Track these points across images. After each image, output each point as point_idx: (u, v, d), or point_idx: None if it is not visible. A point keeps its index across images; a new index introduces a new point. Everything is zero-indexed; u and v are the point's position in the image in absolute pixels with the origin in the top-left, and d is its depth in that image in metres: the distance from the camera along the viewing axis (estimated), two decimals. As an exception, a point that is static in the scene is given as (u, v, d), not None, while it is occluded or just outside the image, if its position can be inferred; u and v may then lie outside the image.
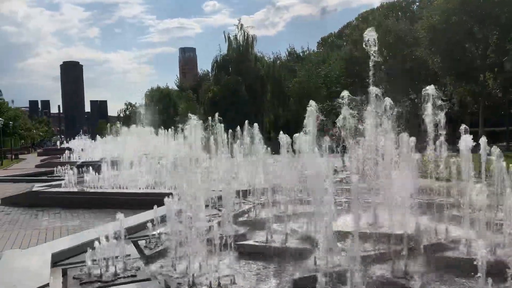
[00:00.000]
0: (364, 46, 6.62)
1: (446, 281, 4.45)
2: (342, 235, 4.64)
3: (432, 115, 6.19)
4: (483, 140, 5.98)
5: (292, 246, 5.38)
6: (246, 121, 12.05)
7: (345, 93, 6.38)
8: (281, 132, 6.93)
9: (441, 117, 6.13)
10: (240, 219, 6.96)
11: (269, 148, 8.89)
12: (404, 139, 6.15)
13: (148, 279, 4.24)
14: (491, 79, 28.24)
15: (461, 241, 5.08)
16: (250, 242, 5.73)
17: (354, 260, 3.90)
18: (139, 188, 11.37)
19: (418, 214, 5.62)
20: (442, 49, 27.36)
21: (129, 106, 71.69)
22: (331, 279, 4.00)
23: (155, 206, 5.89)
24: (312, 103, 7.25)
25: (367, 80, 7.07)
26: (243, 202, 8.10)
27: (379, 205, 6.07)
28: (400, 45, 32.72)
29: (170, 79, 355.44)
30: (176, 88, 63.65)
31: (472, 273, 3.76)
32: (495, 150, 5.50)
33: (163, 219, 5.55)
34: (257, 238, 5.82)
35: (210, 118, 13.25)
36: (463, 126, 5.72)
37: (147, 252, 5.28)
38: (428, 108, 6.22)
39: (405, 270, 4.47)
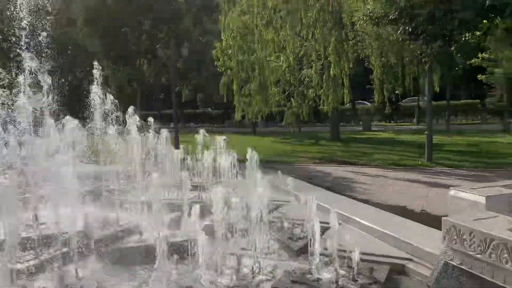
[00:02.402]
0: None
1: (122, 273, 4.15)
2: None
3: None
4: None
5: None
6: None
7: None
8: None
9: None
10: None
11: None
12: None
13: None
14: (145, 64, 30.57)
15: (132, 228, 4.92)
16: None
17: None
18: None
19: (88, 204, 5.10)
20: (99, 32, 27.39)
21: None
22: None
23: None
24: None
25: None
26: None
27: (41, 200, 5.15)
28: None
29: None
30: None
31: (148, 258, 3.63)
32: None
33: None
34: None
35: None
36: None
37: None
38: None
39: (77, 274, 3.88)
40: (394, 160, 11.47)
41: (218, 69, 22.11)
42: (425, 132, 11.00)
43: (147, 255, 3.98)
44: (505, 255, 2.25)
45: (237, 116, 18.73)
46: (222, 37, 17.43)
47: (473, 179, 8.62)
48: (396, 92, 21.03)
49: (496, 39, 11.46)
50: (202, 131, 7.61)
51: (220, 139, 6.75)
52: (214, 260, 3.88)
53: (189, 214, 4.32)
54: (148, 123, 6.02)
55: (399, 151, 13.51)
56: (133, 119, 5.57)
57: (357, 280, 3.39)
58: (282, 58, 15.98)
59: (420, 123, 27.14)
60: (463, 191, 3.45)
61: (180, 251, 4.02)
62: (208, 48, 29.24)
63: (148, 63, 30.68)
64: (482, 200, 3.23)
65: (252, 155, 5.12)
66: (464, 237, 2.51)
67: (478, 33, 10.89)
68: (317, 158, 12.46)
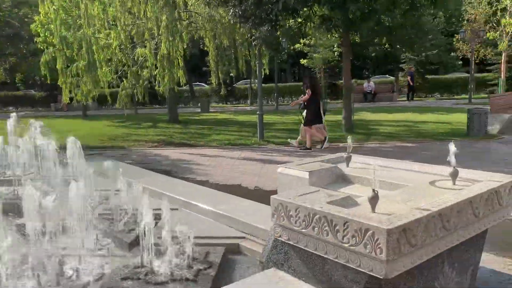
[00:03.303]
0: None
1: None
2: None
3: None
4: None
5: None
6: None
7: None
8: None
9: None
10: None
11: None
12: None
13: None
14: None
15: None
16: None
17: None
18: None
19: None
20: None
21: None
22: None
23: None
24: None
25: None
26: None
27: None
28: None
29: None
30: None
31: None
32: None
33: None
34: None
35: None
36: None
37: None
38: None
39: None
40: (230, 140, 11.82)
41: (39, 46, 19.57)
42: (257, 113, 11.59)
43: None
44: (326, 227, 2.36)
45: (64, 98, 16.87)
46: (40, 10, 15.31)
47: (299, 154, 9.41)
48: (231, 74, 21.75)
49: (314, 26, 12.62)
50: (13, 115, 6.54)
51: (37, 125, 5.87)
52: (32, 265, 3.33)
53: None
54: None
55: (235, 131, 14.00)
56: None
57: (192, 267, 3.27)
58: (112, 36, 14.85)
59: (253, 104, 28.77)
60: (289, 168, 3.60)
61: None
62: (26, 21, 25.67)
63: None
64: (306, 175, 3.41)
65: (72, 141, 4.52)
66: (290, 213, 2.57)
67: (299, 19, 11.82)
68: (155, 142, 12.05)
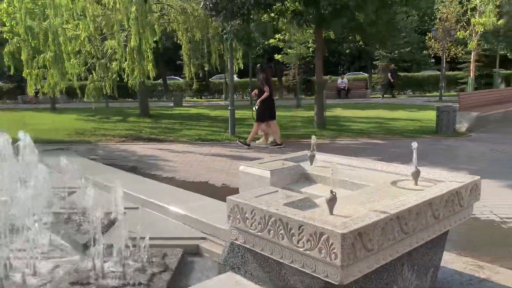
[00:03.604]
0: None
1: None
2: None
3: None
4: None
5: None
6: None
7: None
8: None
9: None
10: None
11: None
12: None
13: None
14: None
15: None
16: None
17: None
18: None
19: None
20: None
21: None
22: None
23: None
24: None
25: None
26: None
27: None
28: None
29: None
30: None
31: None
32: None
33: None
34: None
35: None
36: None
37: None
38: None
39: None
40: (201, 135, 11.64)
41: (5, 35, 18.81)
42: (229, 108, 11.43)
43: None
44: (281, 231, 2.25)
45: (29, 90, 16.26)
46: (3, -4, 14.70)
47: (268, 151, 9.32)
48: (205, 68, 21.47)
49: (287, 21, 12.53)
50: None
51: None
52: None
53: None
54: None
55: (206, 126, 13.82)
56: None
57: (146, 270, 3.12)
58: (81, 27, 14.36)
59: (228, 99, 28.56)
60: (251, 166, 3.48)
61: None
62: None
63: None
64: (268, 174, 3.30)
65: (25, 135, 4.27)
66: (246, 215, 2.45)
67: (272, 14, 11.69)
68: (122, 136, 11.74)
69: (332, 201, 2.33)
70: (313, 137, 3.68)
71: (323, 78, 14.04)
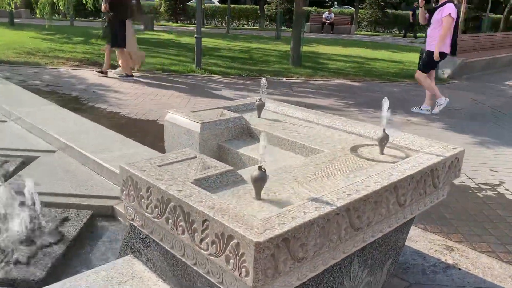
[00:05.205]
0: None
1: None
2: None
3: None
4: None
5: None
6: None
7: None
8: None
9: None
10: None
11: None
12: None
13: None
14: None
15: None
16: None
17: None
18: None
19: None
20: None
21: None
22: None
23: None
24: None
25: None
26: None
27: None
28: None
29: None
30: None
31: None
32: None
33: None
34: None
35: None
36: None
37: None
38: None
39: None
40: (164, 64, 10.63)
41: None
42: (195, 35, 10.34)
43: None
44: (182, 223, 1.58)
45: (-22, 1, 14.58)
46: None
47: (235, 87, 8.50)
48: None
49: None
50: None
51: None
52: None
53: None
54: None
55: (173, 55, 12.72)
56: None
57: (34, 241, 2.44)
58: None
59: (205, 25, 26.87)
60: (179, 115, 2.73)
61: None
62: None
63: None
64: (198, 128, 2.57)
65: None
66: (141, 193, 1.77)
67: None
68: (78, 60, 10.62)
69: (259, 181, 1.65)
70: (263, 79, 2.91)
71: (303, 9, 12.83)
